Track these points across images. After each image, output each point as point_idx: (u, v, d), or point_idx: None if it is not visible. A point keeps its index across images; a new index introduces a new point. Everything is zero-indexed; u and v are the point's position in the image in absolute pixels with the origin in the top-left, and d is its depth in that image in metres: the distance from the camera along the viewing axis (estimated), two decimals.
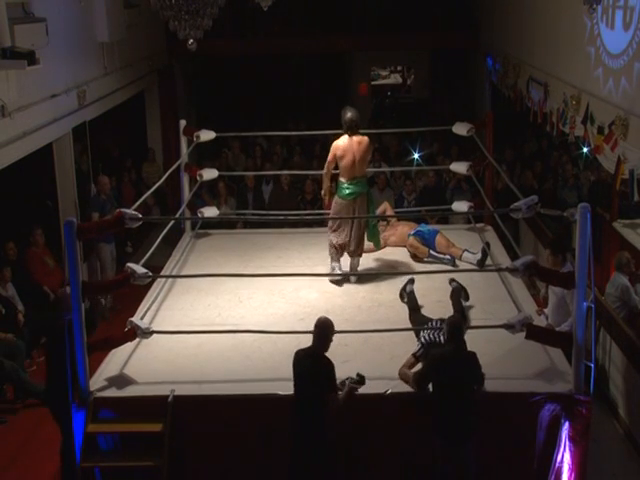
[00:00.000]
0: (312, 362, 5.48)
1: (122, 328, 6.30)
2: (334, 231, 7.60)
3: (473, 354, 5.56)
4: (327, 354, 5.52)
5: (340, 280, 7.58)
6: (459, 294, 6.87)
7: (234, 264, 8.11)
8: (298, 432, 5.49)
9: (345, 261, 7.74)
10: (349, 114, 7.49)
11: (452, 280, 7.03)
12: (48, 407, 6.43)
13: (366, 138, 7.57)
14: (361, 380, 5.52)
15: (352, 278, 7.65)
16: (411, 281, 7.05)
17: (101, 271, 10.14)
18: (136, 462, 5.63)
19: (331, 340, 5.56)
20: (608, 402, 7.56)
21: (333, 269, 7.64)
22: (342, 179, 7.50)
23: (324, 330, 5.56)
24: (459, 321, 5.76)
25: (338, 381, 5.51)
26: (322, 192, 7.94)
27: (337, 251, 7.61)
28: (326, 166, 7.67)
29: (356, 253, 7.67)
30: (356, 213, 7.48)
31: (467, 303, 6.97)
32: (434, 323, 6.11)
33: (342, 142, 7.48)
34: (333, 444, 5.51)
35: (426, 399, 5.57)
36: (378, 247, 8.07)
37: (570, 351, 5.71)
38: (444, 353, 5.58)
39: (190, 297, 7.41)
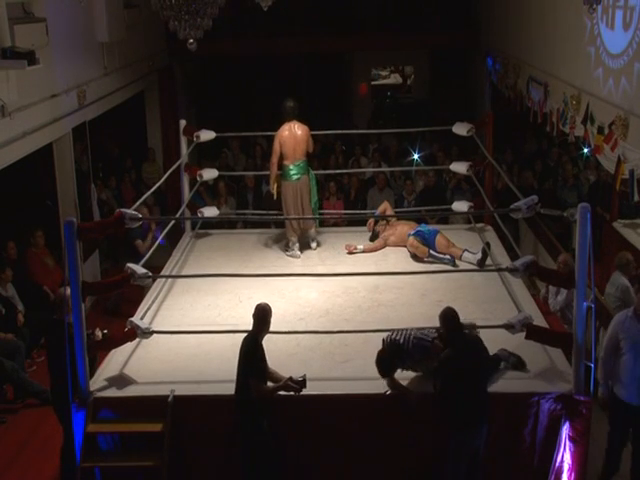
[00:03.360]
0: (243, 345, 5.58)
1: (122, 328, 6.30)
2: (285, 209, 8.46)
3: (478, 339, 5.59)
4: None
5: (298, 252, 8.39)
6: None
7: (234, 264, 8.12)
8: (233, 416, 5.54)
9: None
10: (289, 103, 8.39)
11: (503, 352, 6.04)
12: (52, 406, 6.43)
13: (305, 125, 8.39)
14: (302, 383, 5.52)
15: (313, 245, 8.57)
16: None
17: None
18: (136, 462, 5.63)
19: (267, 325, 5.62)
20: None
21: (292, 245, 8.42)
22: (286, 163, 8.32)
23: (258, 315, 5.62)
24: (450, 312, 5.62)
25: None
26: (271, 182, 8.57)
27: (293, 227, 8.39)
28: (273, 156, 8.37)
29: (309, 224, 8.53)
30: (300, 193, 8.36)
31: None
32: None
33: (284, 130, 8.30)
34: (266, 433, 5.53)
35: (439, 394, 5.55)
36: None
37: (570, 351, 5.72)
38: (451, 355, 5.47)
39: (190, 297, 7.41)
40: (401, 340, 5.72)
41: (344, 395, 5.73)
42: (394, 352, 5.70)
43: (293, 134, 8.28)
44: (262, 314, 5.64)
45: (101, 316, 9.72)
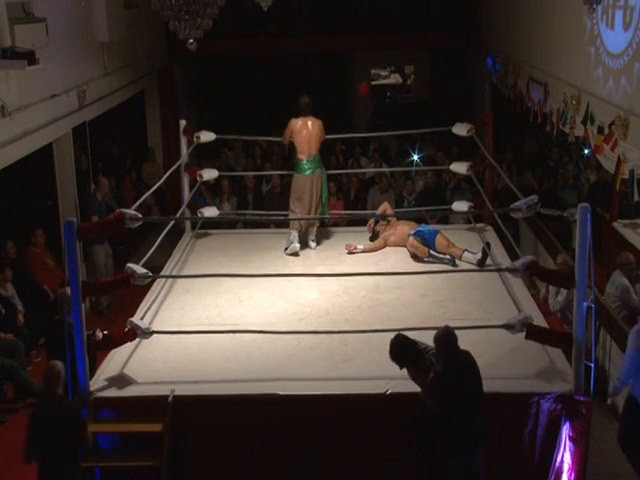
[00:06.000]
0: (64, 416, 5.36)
1: (122, 328, 6.30)
2: (295, 202, 8.49)
3: (468, 354, 5.40)
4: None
5: (298, 250, 8.37)
6: None
7: (234, 264, 8.12)
8: None
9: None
10: (304, 99, 8.45)
11: None
12: None
13: (319, 120, 8.45)
14: None
15: (312, 244, 8.58)
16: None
17: (95, 273, 9.98)
18: (136, 462, 5.62)
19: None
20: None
21: (292, 238, 8.39)
22: (301, 157, 8.42)
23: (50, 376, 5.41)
24: (444, 332, 5.40)
25: None
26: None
27: (300, 222, 8.44)
28: (284, 139, 8.60)
29: (314, 221, 8.63)
30: (314, 186, 8.42)
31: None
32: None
33: (297, 122, 8.41)
34: None
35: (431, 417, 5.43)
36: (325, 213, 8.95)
37: (570, 351, 5.72)
38: (441, 376, 5.27)
39: (190, 297, 7.40)
40: (422, 346, 5.55)
41: (344, 395, 5.73)
42: (417, 349, 5.52)
43: (307, 129, 8.37)
44: (52, 374, 5.40)
45: (100, 316, 9.75)
